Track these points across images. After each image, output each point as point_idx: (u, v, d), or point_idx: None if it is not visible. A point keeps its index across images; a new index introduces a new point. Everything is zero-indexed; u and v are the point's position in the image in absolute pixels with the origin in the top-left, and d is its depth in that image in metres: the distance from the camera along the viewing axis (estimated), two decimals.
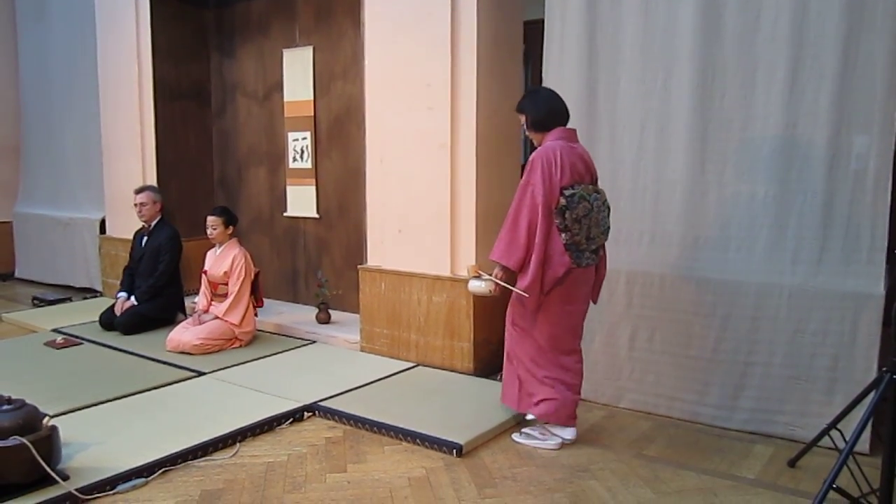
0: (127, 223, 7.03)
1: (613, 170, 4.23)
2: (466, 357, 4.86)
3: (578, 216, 3.54)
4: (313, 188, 6.53)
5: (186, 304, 6.50)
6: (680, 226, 4.09)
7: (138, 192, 6.26)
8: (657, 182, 4.13)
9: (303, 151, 6.57)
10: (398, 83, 5.02)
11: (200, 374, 4.94)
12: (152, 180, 6.95)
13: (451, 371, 4.90)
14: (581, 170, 3.64)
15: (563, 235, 3.55)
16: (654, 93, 4.09)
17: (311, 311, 6.27)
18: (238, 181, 7.28)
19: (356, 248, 6.17)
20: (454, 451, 3.68)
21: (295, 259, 6.87)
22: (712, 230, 4.01)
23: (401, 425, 3.90)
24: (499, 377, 4.69)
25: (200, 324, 5.51)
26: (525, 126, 3.76)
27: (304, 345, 5.67)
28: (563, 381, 3.74)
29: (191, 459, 3.62)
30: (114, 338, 5.83)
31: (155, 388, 4.64)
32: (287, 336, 5.94)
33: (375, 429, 3.96)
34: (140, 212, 6.23)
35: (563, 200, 3.53)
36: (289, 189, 6.75)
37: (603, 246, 3.76)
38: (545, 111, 3.68)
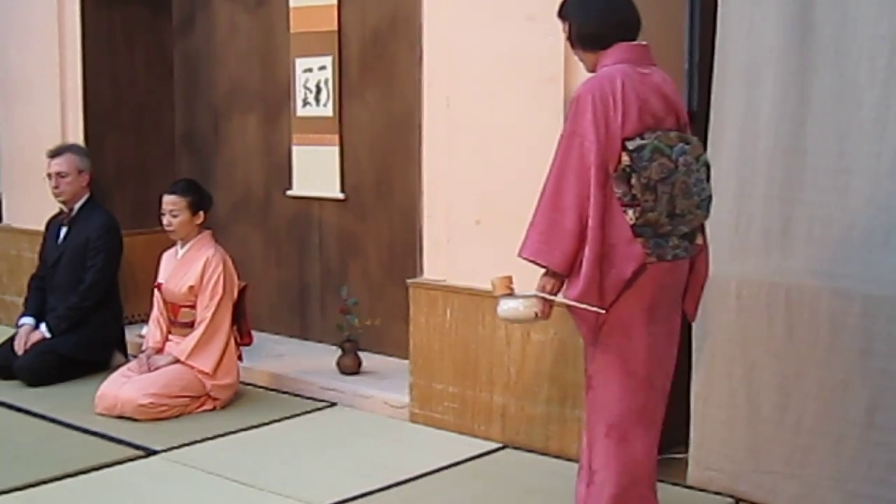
0: (35, 205, 7.19)
1: (839, 123, 4.22)
2: None
3: (652, 180, 3.59)
4: (336, 150, 6.56)
5: (129, 337, 6.60)
6: None
7: (54, 154, 6.41)
8: None
9: (319, 90, 6.62)
10: None
11: (150, 452, 4.97)
12: (77, 137, 7.11)
13: (561, 458, 4.87)
14: (657, 108, 3.71)
15: (630, 212, 3.61)
16: None
17: (330, 354, 6.29)
18: (213, 138, 7.38)
19: (404, 249, 6.17)
20: None
21: (304, 267, 6.90)
22: None
23: None
24: None
25: (151, 371, 5.58)
26: (568, 39, 3.88)
27: (319, 408, 5.68)
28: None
29: None
30: (13, 390, 5.94)
31: (74, 474, 4.67)
32: (291, 394, 5.97)
33: None
34: (57, 186, 6.36)
35: (626, 158, 3.60)
36: (296, 152, 6.77)
37: (702, 228, 3.82)
38: (601, 20, 3.79)
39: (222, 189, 7.14)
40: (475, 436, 5.17)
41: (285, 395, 5.95)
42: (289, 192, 6.86)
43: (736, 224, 4.42)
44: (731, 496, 4.45)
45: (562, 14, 3.88)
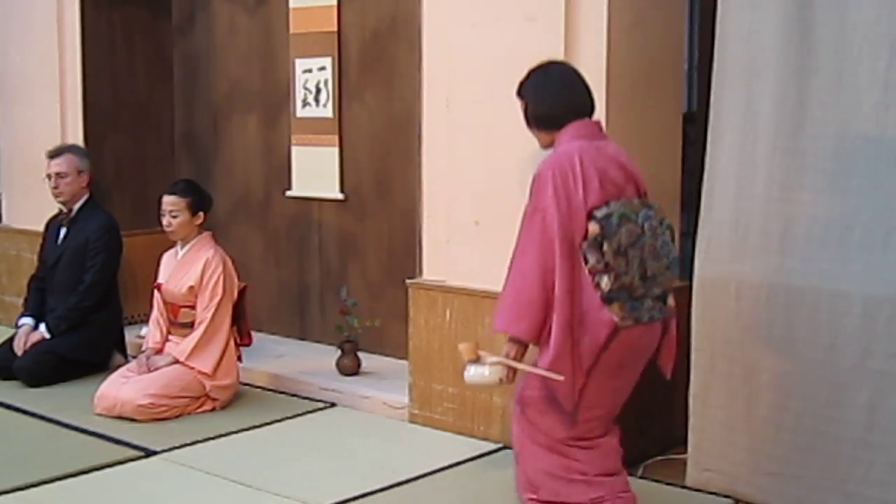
0: (34, 206, 7.19)
1: (838, 124, 4.22)
2: None
3: (622, 245, 3.74)
4: (335, 151, 6.58)
5: (129, 338, 6.62)
6: None
7: (54, 155, 6.42)
8: None
9: (319, 91, 6.64)
10: None
11: (149, 453, 4.99)
12: (77, 138, 7.11)
13: None
14: (617, 178, 3.88)
15: (605, 279, 3.75)
16: None
17: (329, 354, 6.30)
18: (213, 139, 7.38)
19: (404, 250, 6.19)
20: None
21: (304, 268, 6.92)
22: None
23: None
24: (640, 473, 4.70)
25: (150, 371, 5.59)
26: (525, 117, 4.08)
27: (319, 409, 5.71)
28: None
29: None
30: (12, 391, 5.97)
31: (74, 475, 4.68)
32: (290, 394, 5.99)
33: None
34: (56, 187, 6.38)
35: (595, 227, 3.75)
36: (295, 152, 6.80)
37: (670, 290, 3.95)
38: (556, 102, 3.98)
39: (222, 189, 7.14)
40: (474, 436, 5.16)
41: (285, 396, 5.96)
42: (288, 193, 6.87)
43: (735, 225, 4.43)
44: (730, 497, 4.45)
45: (520, 93, 4.09)
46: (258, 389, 6.06)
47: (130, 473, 4.75)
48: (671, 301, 3.94)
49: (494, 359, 3.86)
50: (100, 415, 5.47)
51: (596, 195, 3.77)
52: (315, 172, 6.69)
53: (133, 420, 5.40)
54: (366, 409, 5.69)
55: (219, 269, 5.67)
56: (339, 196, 6.61)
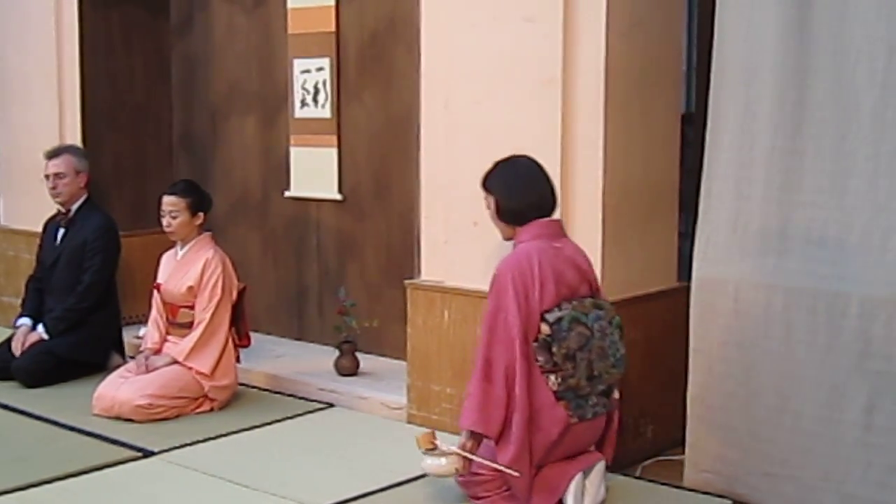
0: (32, 207, 7.21)
1: (837, 125, 4.23)
2: None
3: (571, 349, 4.00)
4: (334, 151, 6.59)
5: (127, 338, 6.62)
6: None
7: (52, 156, 6.42)
8: None
9: (317, 91, 6.65)
10: None
11: (147, 453, 5.00)
12: (75, 138, 7.11)
13: None
14: (572, 280, 4.16)
15: (553, 378, 4.01)
16: None
17: (328, 355, 6.32)
18: (212, 140, 7.40)
19: (402, 251, 6.20)
20: None
21: (302, 268, 6.94)
22: None
23: None
24: (637, 474, 4.73)
25: (149, 372, 5.60)
26: (490, 210, 4.30)
27: (317, 410, 5.72)
28: None
29: None
30: (10, 391, 5.97)
31: (72, 475, 4.70)
32: (288, 395, 6.01)
33: None
34: (54, 188, 6.38)
35: (546, 328, 4.01)
36: (294, 153, 6.81)
37: (615, 384, 4.24)
38: (522, 200, 4.23)
39: (220, 190, 7.14)
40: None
41: (283, 397, 5.97)
42: (287, 194, 6.88)
43: (734, 226, 4.45)
44: (728, 498, 4.46)
45: (486, 186, 4.32)
46: (256, 390, 6.07)
47: (128, 474, 4.76)
48: (615, 394, 4.25)
49: (451, 449, 4.10)
50: (98, 415, 5.48)
51: (551, 297, 4.03)
52: (313, 173, 6.70)
53: (131, 420, 5.41)
54: (364, 409, 5.70)
55: (218, 270, 5.67)
56: (338, 196, 6.62)
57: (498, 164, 4.33)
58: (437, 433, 4.27)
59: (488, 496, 4.15)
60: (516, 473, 3.98)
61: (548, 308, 4.02)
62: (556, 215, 4.37)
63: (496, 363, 4.01)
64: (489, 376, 4.02)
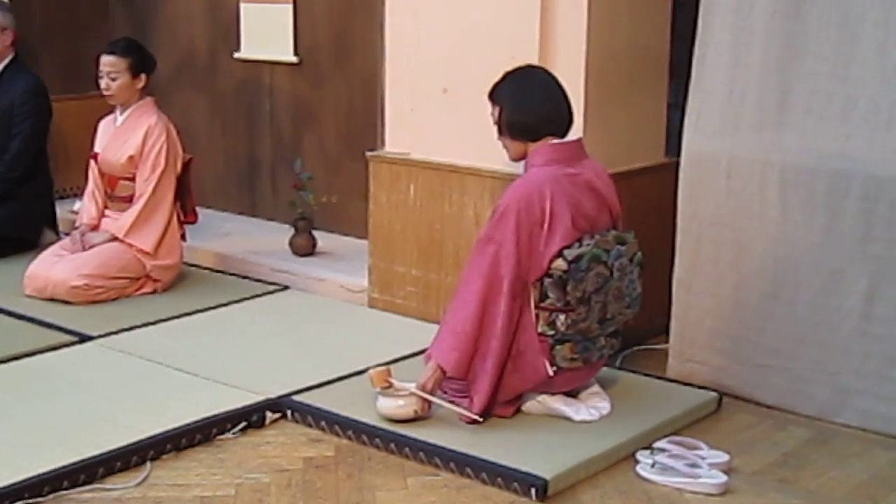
0: None
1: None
2: None
3: (586, 293, 3.93)
4: (289, 8, 6.51)
5: (61, 213, 6.58)
6: None
7: None
8: None
9: None
10: None
11: (84, 338, 4.98)
12: None
13: None
14: (590, 209, 4.04)
15: (562, 318, 3.94)
16: None
17: (282, 233, 6.33)
18: None
19: (364, 119, 6.17)
20: (533, 490, 3.69)
21: (254, 138, 6.91)
22: None
23: (438, 442, 3.95)
24: (618, 364, 4.72)
25: (85, 249, 5.55)
26: (496, 124, 4.14)
27: (269, 292, 5.72)
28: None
29: (67, 488, 3.66)
30: None
31: (2, 361, 4.68)
32: (239, 276, 6.00)
33: (393, 445, 4.02)
34: None
35: (562, 264, 3.91)
36: (244, 9, 6.73)
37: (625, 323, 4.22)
38: (534, 112, 4.07)
39: (163, 50, 7.02)
40: (439, 322, 5.08)
41: (233, 278, 5.96)
42: (236, 55, 6.83)
43: (728, 96, 4.41)
44: (715, 390, 4.48)
45: (493, 97, 4.15)
46: (204, 270, 6.07)
47: (63, 360, 4.73)
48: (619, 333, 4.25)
49: (409, 389, 4.02)
50: (30, 296, 5.46)
51: (568, 232, 3.92)
52: (266, 32, 6.64)
53: (66, 302, 5.39)
54: (321, 292, 5.72)
55: (162, 138, 5.61)
56: (293, 59, 6.58)
57: (507, 75, 4.17)
58: (391, 368, 4.20)
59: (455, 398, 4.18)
60: (477, 417, 3.97)
61: (565, 243, 3.90)
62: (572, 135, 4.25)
63: (475, 297, 3.95)
64: (465, 308, 3.98)
